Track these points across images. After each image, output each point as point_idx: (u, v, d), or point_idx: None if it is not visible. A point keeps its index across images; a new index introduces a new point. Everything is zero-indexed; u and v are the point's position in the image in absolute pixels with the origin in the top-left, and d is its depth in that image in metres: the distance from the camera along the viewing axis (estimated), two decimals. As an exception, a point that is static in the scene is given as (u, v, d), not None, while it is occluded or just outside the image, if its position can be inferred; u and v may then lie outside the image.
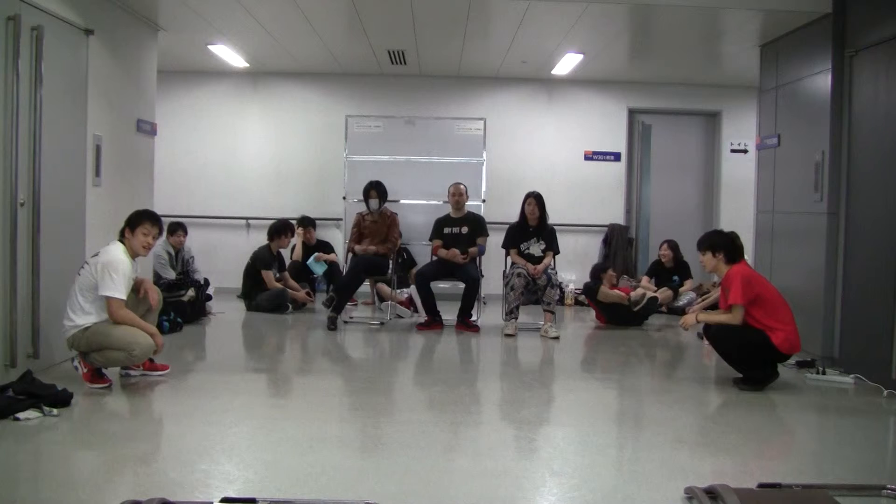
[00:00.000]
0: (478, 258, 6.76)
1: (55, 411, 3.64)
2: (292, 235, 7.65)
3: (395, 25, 6.55)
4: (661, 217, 9.00)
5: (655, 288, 7.53)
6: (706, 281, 7.95)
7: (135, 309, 4.32)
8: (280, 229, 7.42)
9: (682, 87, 8.83)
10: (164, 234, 7.08)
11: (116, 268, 4.12)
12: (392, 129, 8.01)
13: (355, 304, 7.82)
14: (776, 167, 6.11)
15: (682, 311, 7.21)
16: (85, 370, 4.19)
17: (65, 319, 4.19)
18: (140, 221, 4.30)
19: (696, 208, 9.21)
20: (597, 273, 7.12)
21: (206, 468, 3.01)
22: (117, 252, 4.22)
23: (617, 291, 7.08)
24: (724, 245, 4.70)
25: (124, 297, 4.17)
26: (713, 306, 6.07)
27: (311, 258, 7.65)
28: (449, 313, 6.64)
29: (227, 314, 7.10)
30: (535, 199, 6.55)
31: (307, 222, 7.94)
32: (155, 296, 4.48)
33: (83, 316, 4.16)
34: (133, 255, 4.30)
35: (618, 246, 8.65)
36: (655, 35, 6.83)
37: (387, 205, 7.11)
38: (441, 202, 7.45)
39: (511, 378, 5.09)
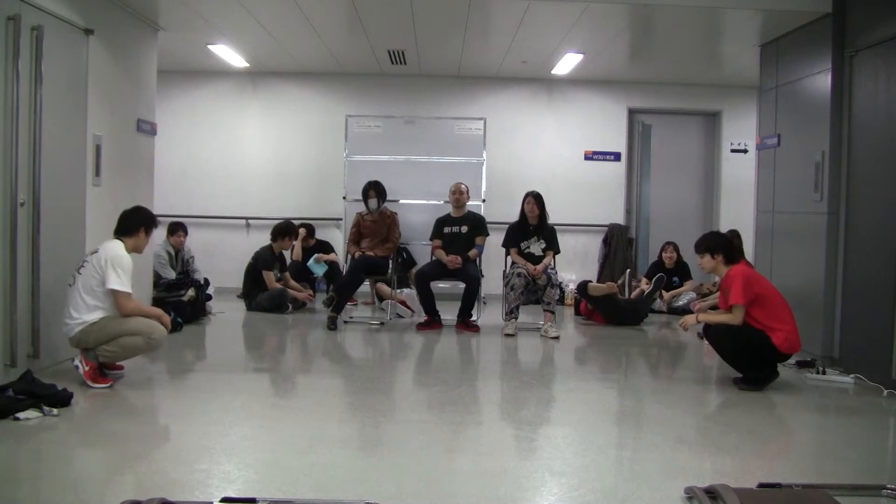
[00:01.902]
0: (478, 258, 6.77)
1: (55, 411, 3.65)
2: (296, 238, 7.65)
3: (395, 25, 6.55)
4: (661, 217, 9.00)
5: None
6: (706, 282, 7.95)
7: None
8: (284, 231, 7.42)
9: (682, 87, 8.83)
10: (165, 234, 7.13)
11: (121, 263, 4.22)
12: (392, 129, 8.01)
13: (355, 304, 7.81)
14: (776, 167, 6.11)
15: (682, 311, 7.24)
16: (86, 368, 4.20)
17: (66, 318, 4.21)
18: (154, 225, 4.55)
19: (696, 208, 9.20)
20: (582, 289, 7.21)
21: (206, 468, 3.01)
22: (120, 249, 4.30)
23: (606, 284, 7.29)
24: (721, 246, 4.70)
25: (131, 291, 4.26)
26: (713, 307, 6.07)
27: (311, 259, 7.65)
28: (449, 313, 6.64)
29: (227, 314, 7.10)
30: (534, 199, 6.55)
31: (307, 232, 7.94)
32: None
33: (89, 313, 4.20)
34: (132, 251, 4.39)
35: (618, 246, 8.64)
36: (655, 35, 6.83)
37: (387, 204, 7.12)
38: (441, 202, 7.45)
39: (511, 378, 5.09)
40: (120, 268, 4.19)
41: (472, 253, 6.60)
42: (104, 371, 4.28)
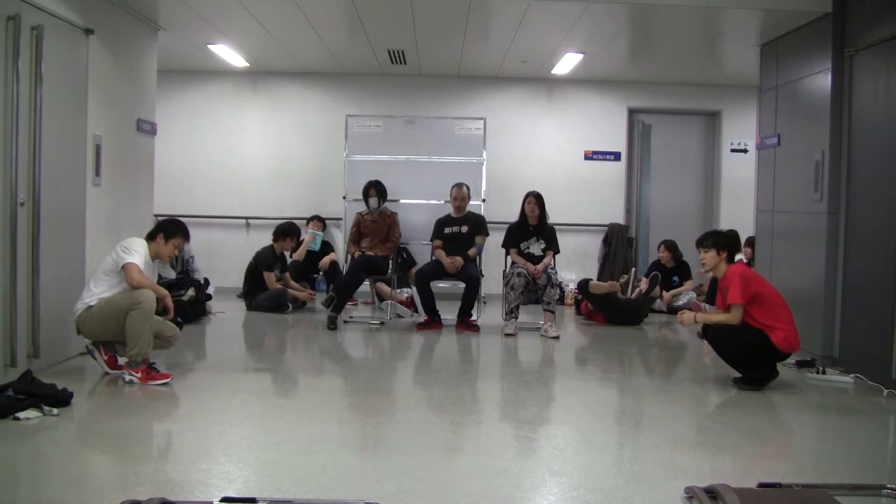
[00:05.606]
0: (478, 257, 6.77)
1: (55, 411, 3.65)
2: (298, 238, 7.65)
3: (395, 25, 6.55)
4: (661, 217, 8.99)
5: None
6: (706, 282, 7.94)
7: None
8: (286, 231, 7.42)
9: (682, 87, 8.83)
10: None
11: (131, 244, 4.43)
12: (392, 129, 8.00)
13: (355, 304, 7.82)
14: (776, 167, 6.11)
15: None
16: (105, 357, 4.40)
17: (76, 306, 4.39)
18: (176, 234, 4.60)
19: (696, 208, 9.20)
20: (583, 287, 7.22)
21: (206, 468, 3.01)
22: (138, 240, 4.51)
23: (608, 283, 7.29)
24: (727, 245, 4.71)
25: (140, 264, 4.36)
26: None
27: (318, 237, 7.69)
28: (449, 313, 6.64)
29: (228, 314, 7.10)
30: (534, 198, 6.55)
31: (317, 217, 8.06)
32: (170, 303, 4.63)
33: (90, 296, 4.33)
34: (154, 256, 4.56)
35: (618, 246, 8.63)
36: (655, 35, 6.83)
37: (387, 204, 7.12)
38: (441, 202, 7.45)
39: (511, 378, 5.09)
40: (130, 247, 4.39)
41: (472, 252, 6.60)
42: (155, 368, 4.37)
